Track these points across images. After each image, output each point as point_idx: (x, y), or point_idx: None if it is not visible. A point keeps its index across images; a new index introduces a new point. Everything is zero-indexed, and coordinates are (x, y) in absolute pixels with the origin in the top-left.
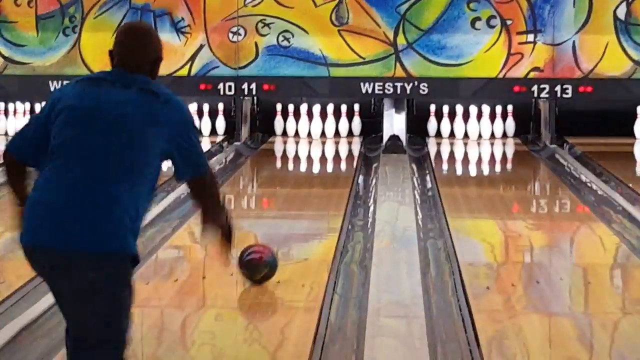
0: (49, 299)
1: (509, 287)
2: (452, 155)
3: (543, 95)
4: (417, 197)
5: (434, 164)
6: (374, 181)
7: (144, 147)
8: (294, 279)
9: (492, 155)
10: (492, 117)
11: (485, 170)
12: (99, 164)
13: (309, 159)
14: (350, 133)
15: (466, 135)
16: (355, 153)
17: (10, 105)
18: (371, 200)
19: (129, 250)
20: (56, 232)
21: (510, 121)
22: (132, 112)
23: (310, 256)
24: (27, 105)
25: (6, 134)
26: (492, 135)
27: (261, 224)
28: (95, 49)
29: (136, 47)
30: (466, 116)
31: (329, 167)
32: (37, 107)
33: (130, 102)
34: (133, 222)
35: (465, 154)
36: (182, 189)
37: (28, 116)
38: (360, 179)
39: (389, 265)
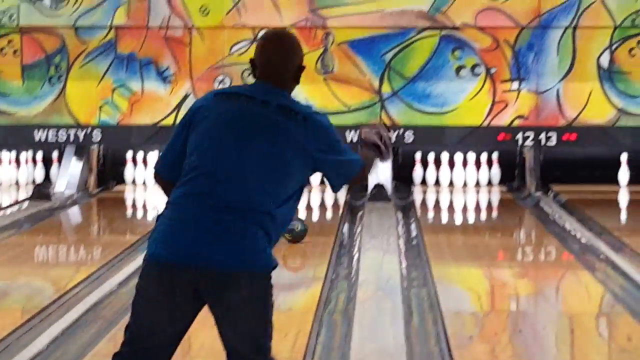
0: None
1: (492, 336)
2: (437, 203)
3: (527, 143)
4: (402, 245)
5: (419, 212)
6: (358, 230)
7: (286, 165)
8: (278, 329)
9: (478, 203)
10: (478, 164)
11: (471, 218)
12: (242, 184)
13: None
14: None
15: (451, 183)
16: (341, 202)
17: None
18: (355, 249)
19: (273, 265)
20: (207, 251)
21: (496, 169)
22: (272, 131)
23: (293, 305)
24: (13, 154)
25: None
26: (478, 183)
27: None
28: (81, 97)
29: (281, 58)
30: (451, 164)
31: (314, 216)
32: (22, 156)
33: (269, 121)
34: (277, 237)
35: (451, 201)
36: None
37: (14, 165)
38: (345, 227)
39: (372, 315)
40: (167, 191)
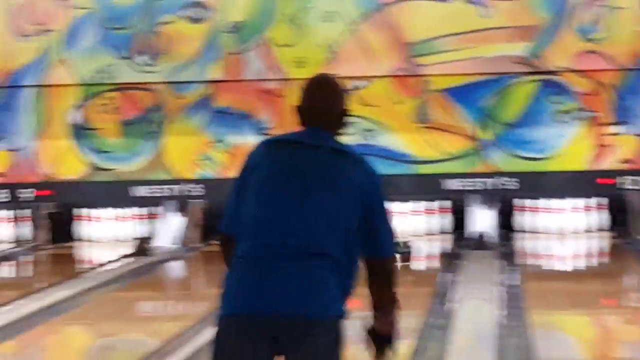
0: None
1: None
2: (540, 249)
3: (632, 187)
4: (502, 293)
5: (521, 260)
6: (458, 278)
7: (347, 207)
8: None
9: (582, 249)
10: (580, 210)
11: (575, 265)
12: (309, 231)
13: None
14: (440, 230)
15: (554, 230)
16: (444, 250)
17: (94, 212)
18: (454, 298)
19: (346, 311)
20: (285, 300)
21: (600, 214)
22: (329, 174)
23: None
24: (114, 211)
25: (94, 240)
26: (581, 229)
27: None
28: (179, 153)
29: (326, 104)
30: (554, 210)
31: (415, 264)
32: (123, 212)
33: (325, 164)
34: (350, 286)
35: (554, 248)
36: None
37: (113, 222)
38: (445, 276)
39: None
40: (225, 253)
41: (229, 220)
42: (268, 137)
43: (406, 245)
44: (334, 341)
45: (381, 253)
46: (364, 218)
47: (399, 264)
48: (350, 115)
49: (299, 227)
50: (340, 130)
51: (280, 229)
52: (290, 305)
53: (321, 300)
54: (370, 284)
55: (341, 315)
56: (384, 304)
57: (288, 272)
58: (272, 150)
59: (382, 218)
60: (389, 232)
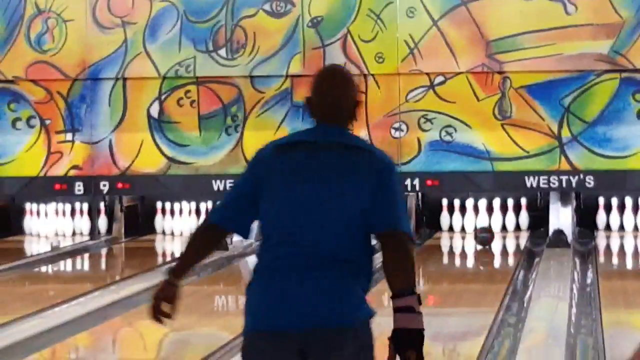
0: None
1: None
2: (621, 248)
3: None
4: (575, 292)
5: (600, 258)
6: (533, 276)
7: (362, 207)
8: None
9: None
10: None
11: None
12: (330, 237)
13: (472, 253)
14: (517, 227)
15: (636, 228)
16: (520, 247)
17: (176, 205)
18: (528, 296)
19: (373, 315)
20: (312, 311)
21: None
22: (342, 177)
23: (460, 351)
24: (192, 204)
25: (172, 234)
26: None
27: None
28: (258, 147)
29: (339, 96)
30: (635, 209)
31: (493, 262)
32: (202, 207)
33: (338, 166)
34: (369, 287)
35: (636, 247)
36: None
37: (193, 216)
38: (521, 274)
39: None
40: (197, 234)
41: (225, 212)
42: (279, 138)
43: (485, 229)
44: (365, 347)
45: (396, 227)
46: (376, 195)
47: (478, 247)
48: (359, 107)
49: (320, 235)
50: (352, 122)
51: (302, 237)
52: (317, 317)
53: (349, 307)
54: (386, 265)
55: (369, 317)
56: (402, 287)
57: (313, 282)
58: (283, 154)
59: (396, 196)
60: (403, 209)
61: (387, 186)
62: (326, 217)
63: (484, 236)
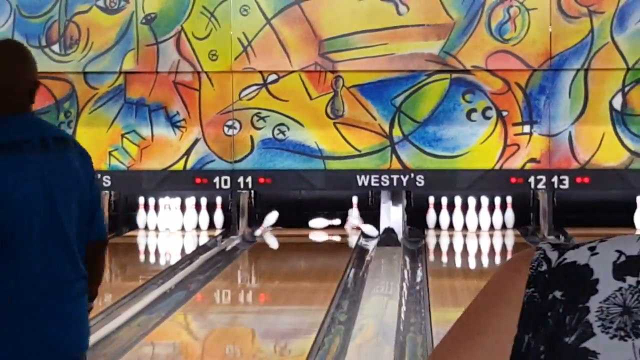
0: None
1: None
2: (450, 247)
3: (540, 186)
4: (405, 290)
5: (430, 257)
6: (364, 274)
7: (84, 211)
8: None
9: (492, 247)
10: (491, 208)
11: (485, 263)
12: (61, 255)
13: (303, 253)
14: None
15: (465, 227)
16: (350, 245)
17: None
18: (358, 294)
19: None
20: (62, 339)
21: (509, 213)
22: (63, 181)
23: (291, 349)
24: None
25: None
26: (492, 227)
27: (252, 318)
28: (91, 143)
29: (17, 78)
30: (464, 208)
31: (322, 260)
32: None
33: (58, 167)
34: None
35: (464, 245)
36: (169, 284)
37: None
38: (351, 271)
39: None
40: None
41: None
42: None
43: None
44: None
45: (104, 237)
46: (90, 203)
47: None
48: (39, 89)
49: (51, 253)
50: (31, 102)
51: (31, 259)
52: (66, 343)
53: (85, 332)
54: (92, 269)
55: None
56: (94, 288)
57: (55, 311)
58: (12, 156)
59: (100, 203)
60: (103, 217)
61: (96, 193)
62: (62, 235)
63: None
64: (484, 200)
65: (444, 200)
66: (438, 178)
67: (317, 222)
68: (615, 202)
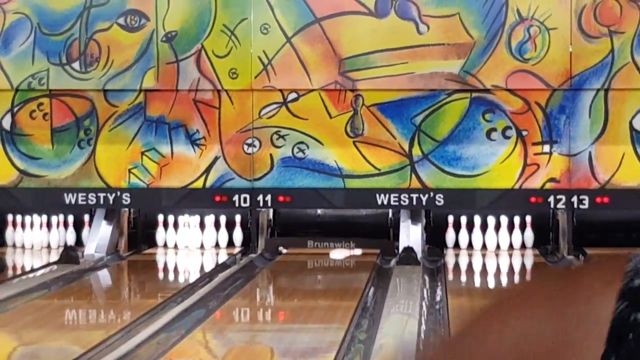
0: None
1: None
2: (469, 266)
3: (560, 205)
4: (425, 309)
5: (449, 276)
6: (383, 293)
7: None
8: None
9: (511, 267)
10: (510, 228)
11: (503, 282)
12: None
13: (323, 271)
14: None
15: (484, 246)
16: (369, 265)
17: (27, 218)
18: (378, 313)
19: None
20: None
21: (529, 232)
22: None
23: None
24: (44, 217)
25: (23, 246)
26: (511, 246)
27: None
28: (111, 160)
29: None
30: (484, 227)
31: (342, 279)
32: (54, 220)
33: None
34: None
35: (483, 265)
36: (188, 302)
37: (45, 229)
38: (371, 290)
39: None
40: None
41: None
42: None
43: None
44: None
45: None
46: None
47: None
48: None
49: None
50: None
51: None
52: None
53: None
54: None
55: None
56: None
57: None
58: None
59: None
60: None
61: None
62: None
63: None
64: (503, 219)
65: (463, 219)
66: (457, 197)
67: (338, 253)
68: (635, 222)
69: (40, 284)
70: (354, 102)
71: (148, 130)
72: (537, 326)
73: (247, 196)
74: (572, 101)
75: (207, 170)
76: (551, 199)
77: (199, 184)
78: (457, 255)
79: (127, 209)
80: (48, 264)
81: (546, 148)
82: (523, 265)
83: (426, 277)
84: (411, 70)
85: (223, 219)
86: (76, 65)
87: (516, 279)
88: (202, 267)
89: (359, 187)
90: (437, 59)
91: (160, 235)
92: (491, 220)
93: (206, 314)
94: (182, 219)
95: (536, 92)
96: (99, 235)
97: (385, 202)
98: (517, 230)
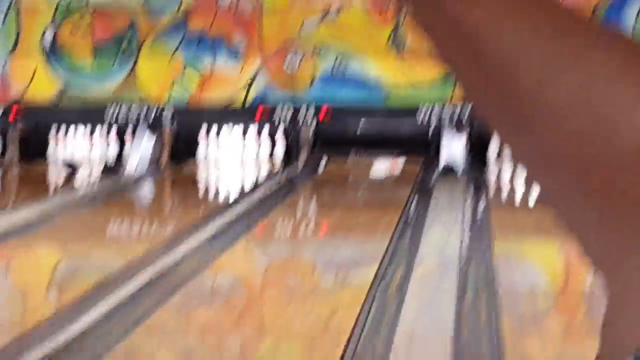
0: None
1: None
2: (512, 180)
3: None
4: (467, 222)
5: (492, 188)
6: (426, 205)
7: None
8: (331, 302)
9: None
10: None
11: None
12: None
13: (365, 185)
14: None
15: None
16: (412, 177)
17: (70, 133)
18: (420, 225)
19: None
20: None
21: None
22: None
23: (351, 280)
24: (87, 131)
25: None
26: None
27: (313, 250)
28: (152, 74)
29: None
30: None
31: (384, 192)
32: (96, 134)
33: None
34: None
35: (527, 178)
36: (229, 216)
37: (87, 144)
38: (413, 205)
39: (427, 291)
40: None
41: None
42: None
43: None
44: None
45: None
46: None
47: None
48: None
49: None
50: None
51: None
52: None
53: None
54: None
55: None
56: None
57: None
58: None
59: None
60: None
61: None
62: None
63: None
64: None
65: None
66: None
67: (379, 170)
68: None
69: (83, 197)
70: (396, 13)
71: (189, 45)
72: None
73: (288, 112)
74: None
75: (249, 85)
76: None
77: (240, 98)
78: (500, 170)
79: (169, 124)
80: (90, 178)
81: None
82: None
83: (468, 191)
84: None
85: (264, 133)
86: None
87: None
88: (243, 182)
89: (401, 101)
90: None
91: (201, 149)
92: None
93: (247, 228)
94: (223, 133)
95: None
96: (140, 150)
97: (428, 115)
98: None
